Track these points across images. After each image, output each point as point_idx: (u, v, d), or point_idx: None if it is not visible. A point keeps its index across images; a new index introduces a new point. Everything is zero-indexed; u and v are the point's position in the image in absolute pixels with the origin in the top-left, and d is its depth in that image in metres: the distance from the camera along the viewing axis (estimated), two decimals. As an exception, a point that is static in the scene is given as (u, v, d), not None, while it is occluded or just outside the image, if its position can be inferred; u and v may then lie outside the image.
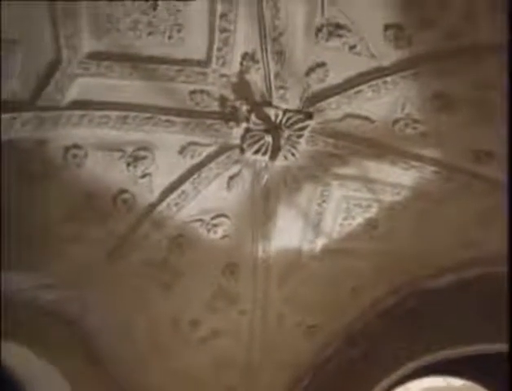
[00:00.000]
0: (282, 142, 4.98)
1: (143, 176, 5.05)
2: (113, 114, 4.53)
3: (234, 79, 4.60)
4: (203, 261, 5.85)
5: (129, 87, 4.45)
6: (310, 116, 4.85)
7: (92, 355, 6.01)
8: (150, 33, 4.17)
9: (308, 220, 5.86)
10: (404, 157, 5.17)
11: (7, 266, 4.82)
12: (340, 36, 4.30)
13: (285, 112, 4.82)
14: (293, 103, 4.79)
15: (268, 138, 4.95)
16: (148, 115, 4.65)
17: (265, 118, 4.84)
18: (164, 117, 4.71)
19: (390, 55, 4.40)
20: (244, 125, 4.88)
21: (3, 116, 4.07)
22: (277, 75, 4.57)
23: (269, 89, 4.68)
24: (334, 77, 4.62)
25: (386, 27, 4.19)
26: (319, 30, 4.29)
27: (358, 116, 4.88)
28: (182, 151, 5.01)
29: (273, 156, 5.07)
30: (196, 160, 5.12)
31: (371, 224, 5.90)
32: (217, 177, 5.27)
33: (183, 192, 5.26)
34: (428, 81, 4.50)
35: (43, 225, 4.92)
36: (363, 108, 4.81)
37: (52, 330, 5.71)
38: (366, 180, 5.48)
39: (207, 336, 6.38)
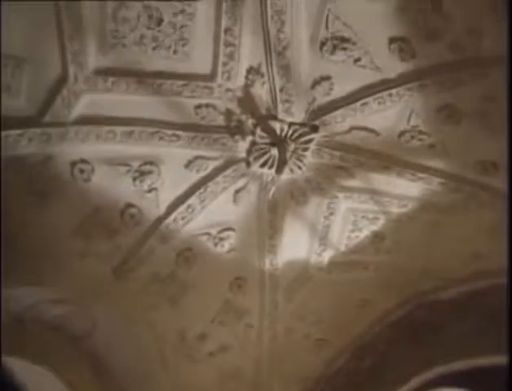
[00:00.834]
0: (288, 155, 4.98)
1: (150, 190, 5.07)
2: (119, 129, 4.56)
3: (239, 93, 4.62)
4: (210, 274, 5.85)
5: (135, 102, 4.47)
6: (315, 129, 4.85)
7: (99, 370, 6.00)
8: (155, 48, 4.20)
9: (315, 233, 5.86)
10: (411, 169, 5.16)
11: (15, 282, 4.82)
12: (345, 49, 4.32)
13: (291, 125, 4.83)
14: (299, 116, 4.79)
15: (274, 152, 4.95)
16: (154, 129, 4.68)
17: (271, 131, 4.85)
18: (170, 132, 4.73)
19: (394, 68, 4.41)
20: (249, 138, 4.90)
21: (11, 132, 4.10)
22: (282, 88, 4.59)
23: (274, 102, 4.69)
24: (339, 90, 4.63)
25: (391, 40, 4.20)
26: (323, 44, 4.32)
27: (363, 129, 4.88)
28: (188, 165, 5.03)
29: (279, 170, 5.07)
30: (203, 174, 5.14)
31: (378, 236, 5.89)
32: (223, 191, 5.28)
33: (189, 206, 5.27)
34: (433, 92, 4.50)
35: (50, 240, 4.93)
36: (368, 121, 4.81)
37: (59, 345, 5.70)
38: (373, 192, 5.47)
39: (215, 350, 6.38)
